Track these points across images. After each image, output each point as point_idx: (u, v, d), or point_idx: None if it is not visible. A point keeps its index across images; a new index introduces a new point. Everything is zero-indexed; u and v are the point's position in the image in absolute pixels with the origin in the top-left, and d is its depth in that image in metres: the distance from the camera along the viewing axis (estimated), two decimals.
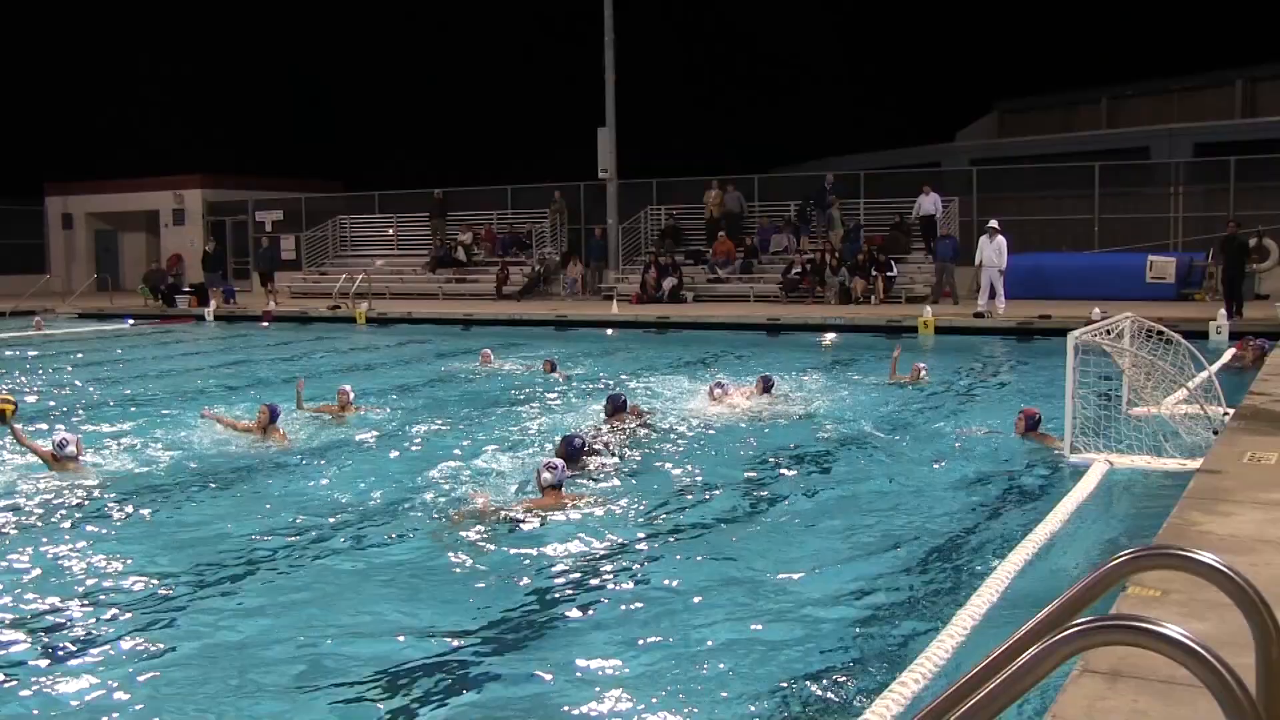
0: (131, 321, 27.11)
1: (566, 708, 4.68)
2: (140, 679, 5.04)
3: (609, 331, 22.37)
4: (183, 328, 25.72)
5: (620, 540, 7.08)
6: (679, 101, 42.58)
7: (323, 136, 44.13)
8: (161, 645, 5.44)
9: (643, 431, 10.60)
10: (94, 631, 5.64)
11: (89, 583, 6.37)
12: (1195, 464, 7.43)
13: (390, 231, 33.73)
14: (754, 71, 44.52)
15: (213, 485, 8.87)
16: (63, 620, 5.79)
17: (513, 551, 6.82)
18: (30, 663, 5.24)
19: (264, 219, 35.17)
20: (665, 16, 39.63)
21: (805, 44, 43.20)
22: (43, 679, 5.03)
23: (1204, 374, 10.02)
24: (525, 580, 6.32)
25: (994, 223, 21.98)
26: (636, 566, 6.65)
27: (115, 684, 4.96)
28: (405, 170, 37.60)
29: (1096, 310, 17.68)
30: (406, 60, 45.06)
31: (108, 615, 5.85)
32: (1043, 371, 13.94)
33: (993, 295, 21.13)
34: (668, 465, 9.26)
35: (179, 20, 42.32)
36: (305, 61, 44.43)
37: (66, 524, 7.60)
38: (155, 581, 6.40)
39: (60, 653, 5.36)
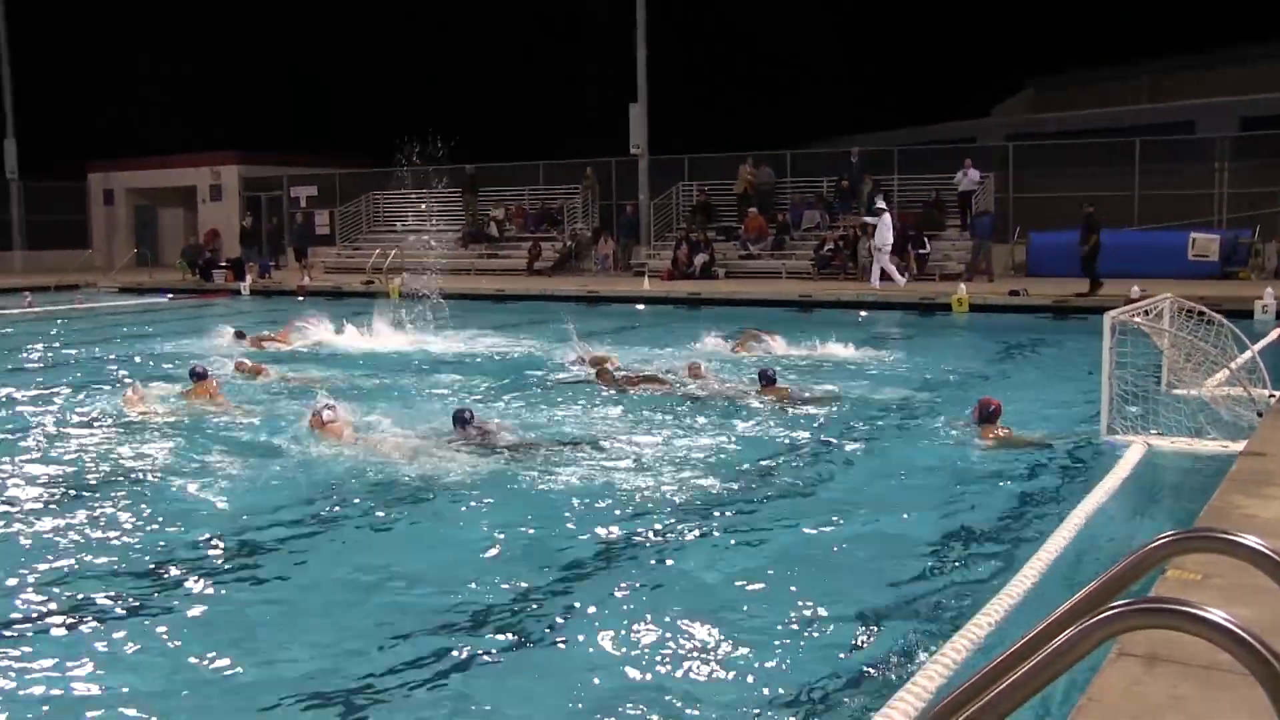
0: (170, 296, 27.38)
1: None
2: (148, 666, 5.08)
3: (639, 307, 22.33)
4: (219, 302, 25.95)
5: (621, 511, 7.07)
6: (711, 76, 42.28)
7: (356, 112, 44.17)
8: (156, 630, 5.48)
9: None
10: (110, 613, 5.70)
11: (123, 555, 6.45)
12: (1238, 446, 7.30)
13: (423, 207, 33.81)
14: (788, 46, 44.07)
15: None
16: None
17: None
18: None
19: (299, 195, 35.38)
20: None
21: (840, 18, 42.69)
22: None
23: (1246, 354, 9.85)
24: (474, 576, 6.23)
25: (880, 203, 23.05)
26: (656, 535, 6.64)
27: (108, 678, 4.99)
28: (438, 146, 37.52)
29: (1136, 289, 17.43)
30: (440, 37, 44.97)
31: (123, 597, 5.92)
32: (1078, 351, 13.76)
33: (883, 276, 22.21)
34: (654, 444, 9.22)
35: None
36: (341, 38, 44.46)
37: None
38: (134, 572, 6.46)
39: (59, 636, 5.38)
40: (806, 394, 11.25)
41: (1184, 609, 2.24)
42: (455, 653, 4.97)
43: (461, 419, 9.04)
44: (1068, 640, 2.28)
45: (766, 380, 11.15)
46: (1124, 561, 2.70)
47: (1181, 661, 3.34)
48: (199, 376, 11.18)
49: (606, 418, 10.32)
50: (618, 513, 7.14)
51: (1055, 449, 8.84)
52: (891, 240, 22.70)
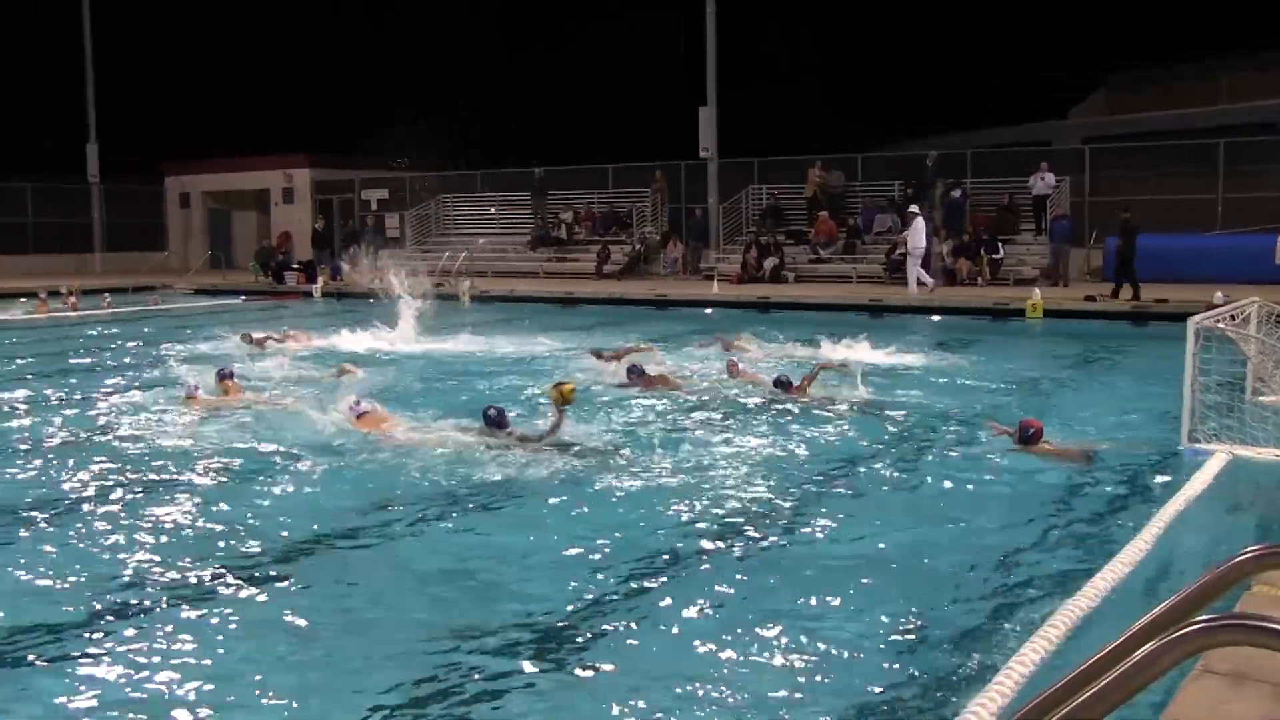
0: (243, 298, 27.88)
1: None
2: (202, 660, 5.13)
3: (708, 311, 22.25)
4: (291, 304, 26.37)
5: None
6: (781, 78, 42.03)
7: (427, 116, 44.70)
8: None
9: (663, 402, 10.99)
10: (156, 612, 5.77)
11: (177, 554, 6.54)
12: None
13: (492, 210, 34.09)
14: (859, 47, 43.69)
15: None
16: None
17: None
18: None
19: (369, 198, 35.89)
20: None
21: (911, 18, 42.20)
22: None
23: None
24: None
25: (914, 207, 23.05)
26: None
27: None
28: (506, 149, 37.85)
29: (1219, 294, 16.91)
30: (506, 38, 45.37)
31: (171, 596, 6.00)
32: (1157, 357, 13.37)
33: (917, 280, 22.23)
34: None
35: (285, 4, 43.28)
36: (411, 43, 45.05)
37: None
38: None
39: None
40: (843, 396, 11.12)
41: (1272, 625, 2.13)
42: (507, 656, 4.96)
43: (487, 417, 9.05)
44: (1148, 655, 2.18)
45: (783, 388, 11.16)
46: (1207, 575, 2.59)
47: (1269, 680, 3.19)
48: (224, 377, 11.36)
49: (647, 420, 10.28)
50: (665, 515, 7.08)
51: (1134, 458, 8.59)
52: (924, 245, 22.48)
